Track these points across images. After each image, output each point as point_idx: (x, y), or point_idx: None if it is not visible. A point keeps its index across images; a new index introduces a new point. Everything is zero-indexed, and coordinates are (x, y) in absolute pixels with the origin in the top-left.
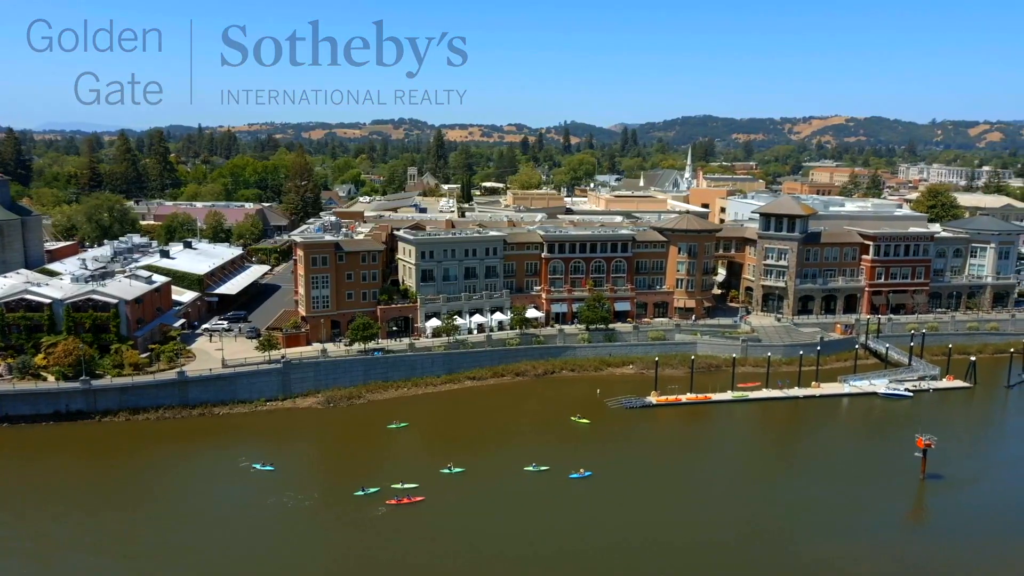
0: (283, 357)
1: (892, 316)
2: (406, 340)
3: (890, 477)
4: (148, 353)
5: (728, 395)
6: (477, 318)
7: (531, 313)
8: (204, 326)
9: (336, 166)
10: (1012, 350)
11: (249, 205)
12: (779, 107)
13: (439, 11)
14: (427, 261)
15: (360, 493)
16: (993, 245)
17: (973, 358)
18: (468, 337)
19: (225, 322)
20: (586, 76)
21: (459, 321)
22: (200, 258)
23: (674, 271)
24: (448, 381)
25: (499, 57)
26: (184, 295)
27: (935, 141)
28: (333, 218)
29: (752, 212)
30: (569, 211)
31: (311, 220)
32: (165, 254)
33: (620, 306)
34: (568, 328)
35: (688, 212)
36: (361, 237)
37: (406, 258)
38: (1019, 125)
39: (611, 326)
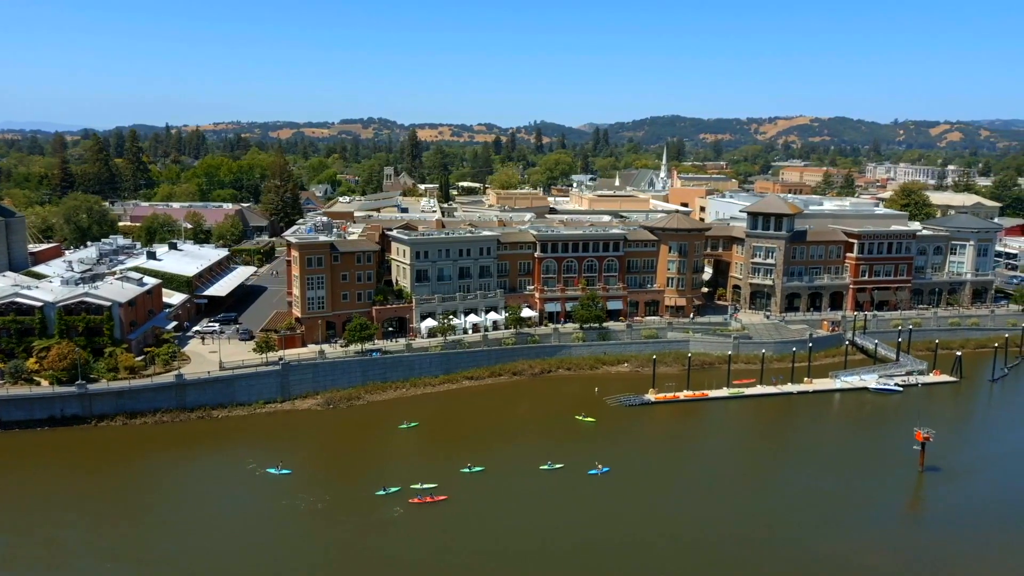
0: (281, 359)
1: (877, 313)
2: (402, 340)
3: (889, 470)
4: (143, 356)
5: (724, 392)
6: (472, 318)
7: (525, 312)
8: (195, 328)
9: (310, 166)
10: (996, 345)
11: (227, 205)
12: (745, 107)
13: (413, 11)
14: (422, 261)
15: (382, 493)
16: (972, 243)
17: (959, 353)
18: (464, 337)
19: (216, 324)
20: (555, 76)
21: (455, 321)
22: (187, 259)
23: (665, 270)
24: (446, 381)
25: (468, 57)
26: (173, 297)
27: (897, 141)
28: (324, 218)
29: (740, 211)
30: (553, 211)
31: (301, 220)
32: (152, 255)
33: (612, 305)
34: (562, 327)
35: (677, 211)
36: (354, 237)
37: (400, 258)
38: (978, 125)
39: (604, 325)
